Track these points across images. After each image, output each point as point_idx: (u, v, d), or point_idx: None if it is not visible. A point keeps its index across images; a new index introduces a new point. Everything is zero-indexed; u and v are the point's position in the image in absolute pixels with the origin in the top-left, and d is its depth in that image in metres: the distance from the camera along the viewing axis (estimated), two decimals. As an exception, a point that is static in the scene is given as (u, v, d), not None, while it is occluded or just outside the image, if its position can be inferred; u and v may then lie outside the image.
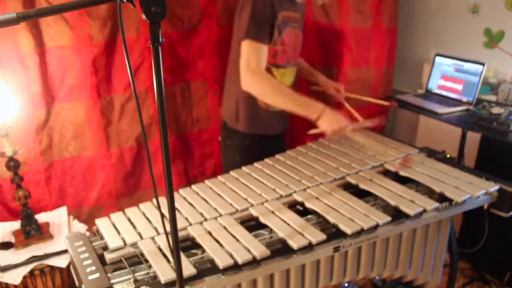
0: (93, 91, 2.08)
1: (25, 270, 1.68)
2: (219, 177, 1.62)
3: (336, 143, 1.87)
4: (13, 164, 1.75)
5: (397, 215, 1.37)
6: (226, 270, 1.14)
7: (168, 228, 0.91)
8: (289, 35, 1.73)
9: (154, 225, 1.34)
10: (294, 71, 1.90)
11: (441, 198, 1.46)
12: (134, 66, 2.15)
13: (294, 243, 1.22)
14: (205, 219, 1.36)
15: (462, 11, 2.58)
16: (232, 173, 1.65)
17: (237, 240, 1.24)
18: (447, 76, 2.41)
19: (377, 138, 1.91)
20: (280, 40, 1.70)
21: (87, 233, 1.56)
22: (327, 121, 1.59)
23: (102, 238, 1.31)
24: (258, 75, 1.62)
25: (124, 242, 1.26)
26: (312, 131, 1.67)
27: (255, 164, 1.70)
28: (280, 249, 1.22)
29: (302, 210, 1.42)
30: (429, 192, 1.50)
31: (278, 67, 1.76)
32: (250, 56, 1.62)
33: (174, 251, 0.93)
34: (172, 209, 0.88)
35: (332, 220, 1.32)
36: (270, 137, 1.87)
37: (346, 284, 2.14)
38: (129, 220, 1.38)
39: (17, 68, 1.89)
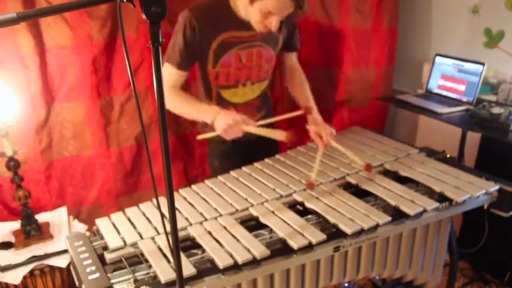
0: (93, 91, 2.08)
1: (25, 270, 1.68)
2: (219, 177, 1.62)
3: (336, 143, 1.87)
4: (13, 164, 1.75)
5: (397, 215, 1.37)
6: (226, 270, 1.14)
7: (168, 228, 0.91)
8: (235, 56, 1.64)
9: (155, 225, 1.34)
10: (259, 87, 1.79)
11: (441, 198, 1.46)
12: (134, 66, 2.15)
13: (294, 243, 1.21)
14: (205, 219, 1.36)
15: (462, 11, 2.58)
16: (232, 173, 1.65)
17: (237, 240, 1.24)
18: (447, 76, 2.41)
19: (377, 139, 1.91)
20: (220, 63, 1.64)
21: (87, 233, 1.56)
22: (219, 122, 1.53)
23: (102, 238, 1.31)
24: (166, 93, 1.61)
25: (124, 242, 1.26)
26: (201, 136, 1.65)
27: (255, 164, 1.70)
28: (280, 249, 1.22)
29: (302, 210, 1.42)
30: (429, 192, 1.50)
31: (225, 88, 1.71)
32: (163, 74, 1.63)
33: (174, 251, 0.92)
34: (172, 209, 0.88)
35: (332, 220, 1.32)
36: (245, 142, 1.68)
37: (346, 284, 2.14)
38: (129, 220, 1.38)
39: (17, 68, 1.89)
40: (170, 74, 1.62)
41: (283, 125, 2.52)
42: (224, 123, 1.51)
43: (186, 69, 1.64)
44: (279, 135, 1.54)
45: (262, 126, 1.56)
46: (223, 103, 1.73)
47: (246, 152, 1.78)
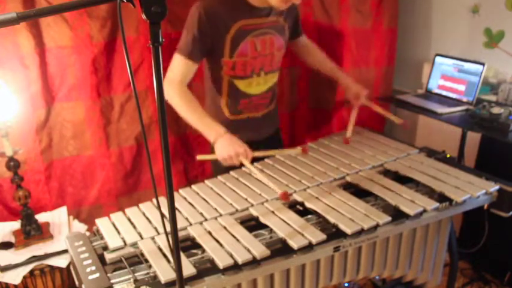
0: (93, 91, 2.08)
1: (25, 270, 1.68)
2: (219, 177, 1.62)
3: (336, 143, 1.87)
4: (13, 164, 1.75)
5: (397, 215, 1.37)
6: (226, 270, 1.14)
7: (168, 228, 0.91)
8: (251, 44, 1.67)
9: (154, 225, 1.34)
10: (271, 78, 1.82)
11: (441, 198, 1.46)
12: (134, 66, 2.15)
13: (294, 243, 1.22)
14: (205, 219, 1.36)
15: (462, 11, 2.58)
16: (232, 173, 1.65)
17: (237, 240, 1.24)
18: (447, 76, 2.41)
19: (377, 139, 1.91)
20: (237, 52, 1.66)
21: (87, 233, 1.56)
22: (220, 147, 1.55)
23: (102, 238, 1.31)
24: (171, 86, 1.61)
25: (124, 242, 1.26)
26: (200, 157, 1.66)
27: (255, 164, 1.70)
28: (280, 249, 1.22)
29: (302, 210, 1.42)
30: (429, 192, 1.50)
31: (241, 78, 1.72)
32: (172, 66, 1.64)
33: (174, 251, 0.93)
34: (172, 209, 0.88)
35: (332, 220, 1.32)
36: (246, 143, 1.65)
37: (346, 284, 2.14)
38: (129, 220, 1.38)
39: (17, 68, 1.89)
40: (180, 65, 1.62)
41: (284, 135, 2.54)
42: (225, 153, 1.54)
43: (197, 61, 1.64)
44: (294, 152, 1.73)
45: (259, 158, 1.64)
46: (236, 94, 1.75)
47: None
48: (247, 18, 1.64)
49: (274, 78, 1.85)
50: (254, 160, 1.65)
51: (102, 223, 1.36)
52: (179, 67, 1.63)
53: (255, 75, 1.74)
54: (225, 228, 1.30)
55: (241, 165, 1.60)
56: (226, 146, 1.54)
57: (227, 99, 1.77)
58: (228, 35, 1.62)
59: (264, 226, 1.33)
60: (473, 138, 2.35)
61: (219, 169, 1.68)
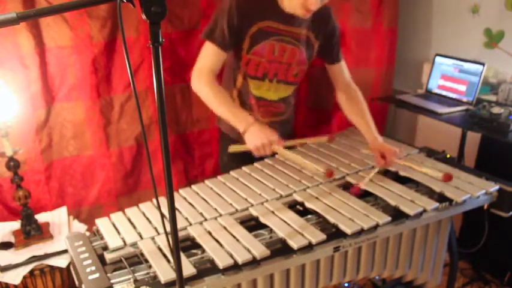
0: (92, 91, 2.08)
1: (25, 270, 1.68)
2: (219, 177, 1.62)
3: (336, 143, 1.87)
4: (13, 164, 1.75)
5: (397, 215, 1.37)
6: (226, 270, 1.14)
7: (168, 228, 0.91)
8: (269, 46, 1.65)
9: (154, 225, 1.34)
10: (284, 89, 1.78)
11: (441, 198, 1.46)
12: (134, 66, 2.15)
13: (294, 243, 1.21)
14: (205, 219, 1.36)
15: (462, 11, 2.58)
16: (232, 173, 1.65)
17: (237, 240, 1.24)
18: (447, 76, 2.41)
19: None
20: (254, 50, 1.64)
21: (87, 233, 1.56)
22: (251, 136, 1.51)
23: (102, 238, 1.31)
24: (200, 76, 1.60)
25: (124, 242, 1.26)
26: (233, 149, 1.61)
27: (255, 164, 1.70)
28: (280, 249, 1.22)
29: (302, 210, 1.42)
30: (429, 192, 1.50)
31: (252, 78, 1.71)
32: (202, 54, 1.63)
33: (174, 251, 0.92)
34: (172, 209, 0.88)
35: (332, 220, 1.32)
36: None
37: (346, 284, 2.14)
38: (129, 220, 1.38)
39: (17, 68, 1.89)
40: (211, 53, 1.60)
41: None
42: (258, 141, 1.49)
43: (227, 50, 1.63)
44: (321, 140, 1.75)
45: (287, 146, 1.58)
46: (247, 91, 1.74)
47: None
48: (274, 21, 1.62)
49: (288, 90, 1.79)
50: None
51: (102, 223, 1.36)
52: (210, 56, 1.61)
53: (267, 79, 1.72)
54: (225, 228, 1.30)
55: (273, 154, 1.57)
56: (258, 135, 1.50)
57: (238, 91, 1.76)
58: (250, 30, 1.62)
59: (264, 226, 1.33)
60: (473, 138, 2.35)
61: (228, 165, 1.65)
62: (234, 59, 1.71)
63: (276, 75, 1.72)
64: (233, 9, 1.57)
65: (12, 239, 1.84)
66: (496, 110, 1.97)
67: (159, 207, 0.98)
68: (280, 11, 1.61)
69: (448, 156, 1.78)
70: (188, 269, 1.11)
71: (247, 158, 1.68)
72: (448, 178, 1.51)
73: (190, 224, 1.34)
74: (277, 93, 1.78)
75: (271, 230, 1.31)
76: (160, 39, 0.77)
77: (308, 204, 1.41)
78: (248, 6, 1.59)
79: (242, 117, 1.56)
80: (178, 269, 0.94)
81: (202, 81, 1.60)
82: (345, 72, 1.85)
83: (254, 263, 1.17)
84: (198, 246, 1.25)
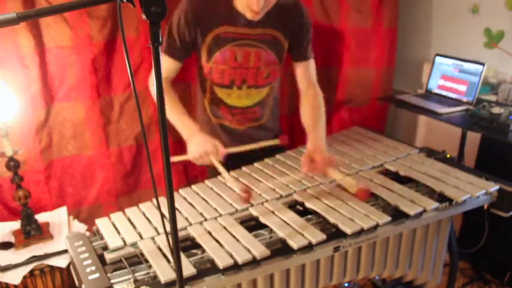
0: (92, 91, 2.08)
1: (25, 270, 1.68)
2: (219, 177, 1.62)
3: (336, 143, 1.87)
4: (13, 164, 1.75)
5: (397, 215, 1.37)
6: (226, 270, 1.14)
7: (168, 228, 0.91)
8: (230, 53, 1.58)
9: (154, 225, 1.34)
10: (257, 93, 1.71)
11: (441, 198, 1.45)
12: (134, 66, 2.15)
13: (294, 243, 1.21)
14: (205, 219, 1.36)
15: (462, 11, 2.58)
16: (232, 173, 1.65)
17: (237, 240, 1.24)
18: (447, 76, 2.41)
19: (377, 139, 1.91)
20: (214, 58, 1.60)
21: (87, 233, 1.56)
22: (192, 146, 1.51)
23: (102, 238, 1.31)
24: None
25: (124, 242, 1.26)
26: (175, 159, 1.56)
27: (255, 164, 1.70)
28: (280, 249, 1.22)
29: (302, 210, 1.42)
30: (429, 192, 1.50)
31: (219, 86, 1.67)
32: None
33: (174, 251, 0.92)
34: (172, 209, 0.88)
35: (332, 220, 1.32)
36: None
37: (346, 284, 2.14)
38: (129, 220, 1.38)
39: (17, 68, 1.89)
40: (165, 62, 1.60)
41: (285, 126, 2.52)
42: (196, 152, 1.51)
43: (179, 60, 1.62)
44: (271, 143, 1.66)
45: (233, 155, 1.59)
46: (216, 100, 1.71)
47: (247, 159, 1.72)
48: (231, 25, 1.56)
49: (261, 94, 1.72)
50: (232, 157, 1.60)
51: (102, 223, 1.36)
52: (165, 63, 1.60)
53: (235, 87, 1.66)
54: (225, 228, 1.30)
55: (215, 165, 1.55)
56: (197, 145, 1.51)
57: (209, 100, 1.73)
58: (205, 38, 1.57)
59: (264, 226, 1.33)
60: (473, 138, 2.35)
61: (211, 171, 1.64)
62: (199, 69, 1.69)
63: (244, 82, 1.66)
64: (182, 22, 1.54)
65: (12, 239, 1.84)
66: (496, 110, 1.97)
67: (159, 207, 0.98)
68: (237, 14, 1.53)
69: (448, 156, 1.78)
70: (188, 269, 1.11)
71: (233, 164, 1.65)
72: (363, 195, 1.38)
73: (190, 224, 1.34)
74: (250, 99, 1.71)
75: (271, 230, 1.31)
76: (160, 39, 0.77)
77: (308, 204, 1.41)
78: (199, 16, 1.54)
79: (188, 126, 1.56)
80: (178, 269, 0.94)
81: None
82: (311, 72, 1.77)
83: (254, 263, 1.17)
84: (198, 246, 1.25)
